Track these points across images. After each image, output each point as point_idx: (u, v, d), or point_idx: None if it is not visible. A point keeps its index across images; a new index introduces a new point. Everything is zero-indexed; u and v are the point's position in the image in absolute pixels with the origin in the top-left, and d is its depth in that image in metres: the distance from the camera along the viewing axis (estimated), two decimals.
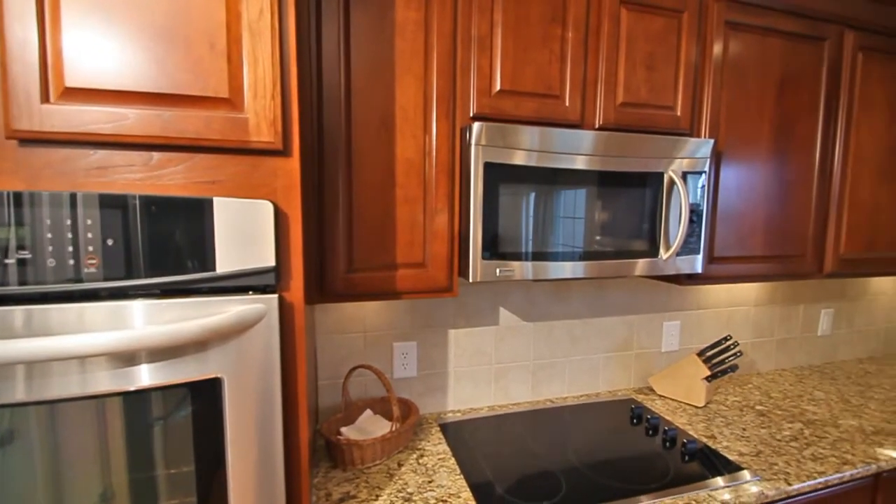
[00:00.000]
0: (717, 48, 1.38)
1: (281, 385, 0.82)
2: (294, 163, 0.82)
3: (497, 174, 1.13)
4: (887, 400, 1.73)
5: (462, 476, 1.19)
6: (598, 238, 1.26)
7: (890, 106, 1.66)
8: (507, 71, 1.18)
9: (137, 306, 0.72)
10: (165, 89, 0.73)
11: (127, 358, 0.71)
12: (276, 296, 0.79)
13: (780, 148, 1.51)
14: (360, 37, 1.07)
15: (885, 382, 1.91)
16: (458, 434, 1.41)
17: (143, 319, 0.72)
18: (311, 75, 1.05)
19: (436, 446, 1.34)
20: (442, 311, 1.52)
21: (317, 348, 1.40)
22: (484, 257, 1.14)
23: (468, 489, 1.15)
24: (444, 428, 1.45)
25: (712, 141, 1.32)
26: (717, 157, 1.43)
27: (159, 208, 0.72)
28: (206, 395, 0.76)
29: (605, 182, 1.24)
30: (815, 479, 1.22)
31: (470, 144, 1.11)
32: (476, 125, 1.09)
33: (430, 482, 1.18)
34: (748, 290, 1.94)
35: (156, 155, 0.75)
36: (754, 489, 1.17)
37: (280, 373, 0.81)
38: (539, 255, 1.19)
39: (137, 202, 0.71)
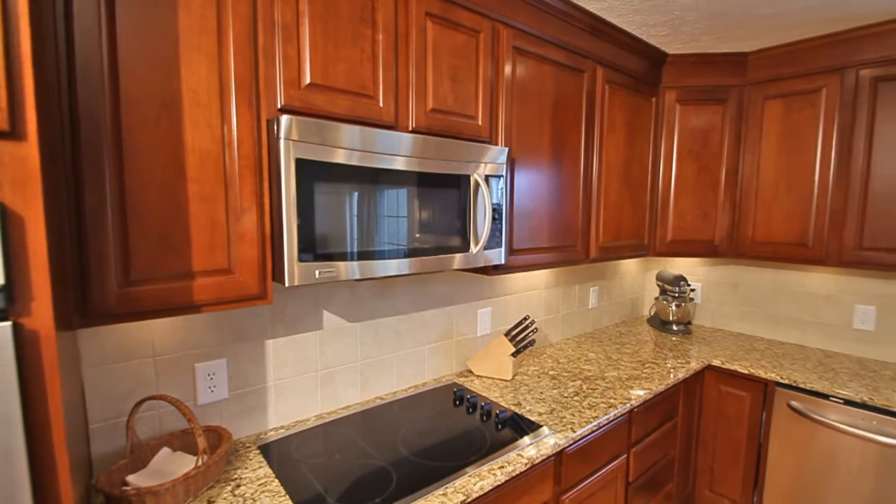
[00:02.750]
0: (508, 68, 1.59)
1: (25, 441, 0.62)
2: (29, 149, 0.63)
3: (314, 172, 1.08)
4: (634, 353, 2.26)
5: (287, 497, 1.11)
6: (419, 236, 1.32)
7: (626, 128, 2.17)
8: (318, 64, 1.14)
9: None
10: None
11: None
12: (8, 323, 0.60)
13: (556, 158, 1.83)
14: (129, 2, 0.89)
15: (632, 340, 2.50)
16: (283, 452, 1.31)
17: None
18: (55, 40, 0.82)
19: (255, 471, 1.21)
20: (256, 321, 1.38)
21: (84, 385, 1.12)
22: (301, 259, 1.07)
23: None
24: (266, 449, 1.32)
25: (507, 149, 1.52)
26: (511, 163, 1.65)
27: None
28: None
29: (423, 183, 1.31)
30: (591, 423, 1.52)
31: (279, 138, 1.03)
32: (285, 118, 1.02)
33: None
34: (540, 276, 2.30)
35: None
36: (551, 441, 1.40)
37: (22, 424, 0.62)
38: (364, 255, 1.19)
39: None
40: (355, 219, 1.17)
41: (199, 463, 1.07)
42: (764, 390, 2.05)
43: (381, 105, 1.26)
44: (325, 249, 1.11)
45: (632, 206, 2.28)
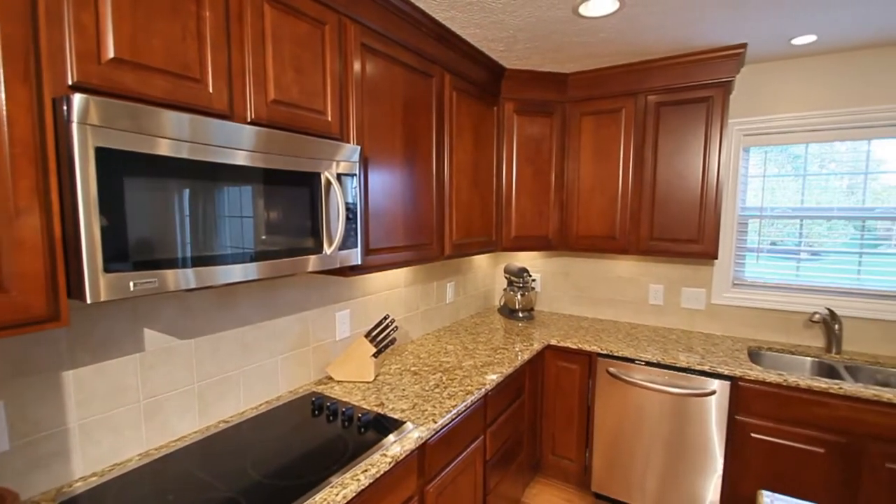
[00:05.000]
0: (357, 66, 1.56)
1: None
2: None
3: (127, 165, 0.90)
4: (488, 341, 2.44)
5: None
6: (267, 237, 1.21)
7: (473, 133, 2.33)
8: (125, 36, 0.96)
9: None
10: None
11: None
12: None
13: (409, 159, 1.87)
14: None
15: (486, 329, 2.70)
16: None
17: None
18: None
19: None
20: (47, 350, 1.11)
21: None
22: (109, 269, 0.89)
23: None
24: None
25: (359, 147, 1.49)
26: (365, 163, 1.63)
27: None
28: None
29: (270, 180, 1.20)
30: (451, 411, 1.59)
31: (70, 122, 0.84)
32: (78, 98, 0.83)
33: None
34: (398, 275, 2.33)
35: None
36: (415, 435, 1.42)
37: None
38: (201, 260, 1.04)
39: None
40: (188, 220, 1.02)
41: None
42: (589, 361, 2.41)
43: (210, 91, 1.11)
44: (146, 256, 0.95)
45: (481, 206, 2.45)
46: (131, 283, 0.92)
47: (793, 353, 2.32)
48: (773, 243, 2.51)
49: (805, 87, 2.32)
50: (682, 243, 2.39)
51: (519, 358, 2.17)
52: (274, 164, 1.21)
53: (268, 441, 1.38)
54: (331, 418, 1.52)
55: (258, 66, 1.23)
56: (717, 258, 2.35)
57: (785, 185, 2.46)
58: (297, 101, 1.35)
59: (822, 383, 1.89)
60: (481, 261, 3.15)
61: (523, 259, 3.25)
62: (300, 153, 1.28)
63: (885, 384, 2.11)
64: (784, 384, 1.95)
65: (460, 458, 1.70)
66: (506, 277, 3.00)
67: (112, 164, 0.89)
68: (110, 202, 0.89)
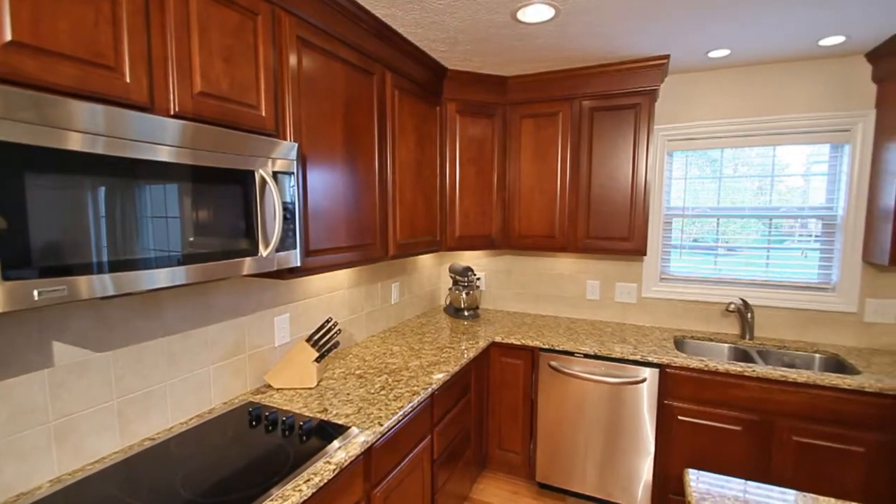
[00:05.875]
0: (293, 59, 1.50)
1: None
2: None
3: (28, 160, 0.81)
4: (434, 341, 2.45)
5: None
6: (195, 239, 1.13)
7: (416, 132, 2.32)
8: (24, 18, 0.86)
9: None
10: None
11: None
12: None
13: (351, 158, 1.83)
14: None
15: (432, 329, 2.70)
16: None
17: None
18: None
19: None
20: None
21: None
22: (8, 277, 0.79)
23: None
24: None
25: (296, 145, 1.43)
26: (303, 161, 1.57)
27: None
28: None
29: (200, 178, 1.13)
30: (397, 413, 1.57)
31: None
32: None
33: None
34: (341, 276, 2.28)
35: None
36: (360, 439, 1.39)
37: None
38: (120, 265, 0.96)
39: None
40: (104, 221, 0.93)
41: None
42: (532, 356, 2.48)
43: (128, 80, 1.03)
44: (54, 262, 0.85)
45: (425, 205, 2.45)
46: (36, 292, 0.83)
47: (712, 341, 2.52)
48: (695, 240, 2.73)
49: (720, 97, 2.54)
50: (615, 241, 2.53)
51: (465, 356, 2.19)
52: (203, 160, 1.14)
53: (200, 457, 1.29)
54: (270, 428, 1.46)
55: (182, 56, 1.15)
56: (646, 254, 2.50)
57: (704, 186, 2.68)
58: (227, 94, 1.27)
59: (738, 367, 2.07)
60: (426, 260, 3.15)
61: (468, 258, 3.29)
62: (232, 149, 1.22)
63: (791, 365, 2.35)
64: (705, 369, 2.12)
65: (408, 459, 1.69)
66: (451, 277, 3.02)
67: (11, 160, 0.79)
68: (9, 202, 0.79)
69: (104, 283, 0.93)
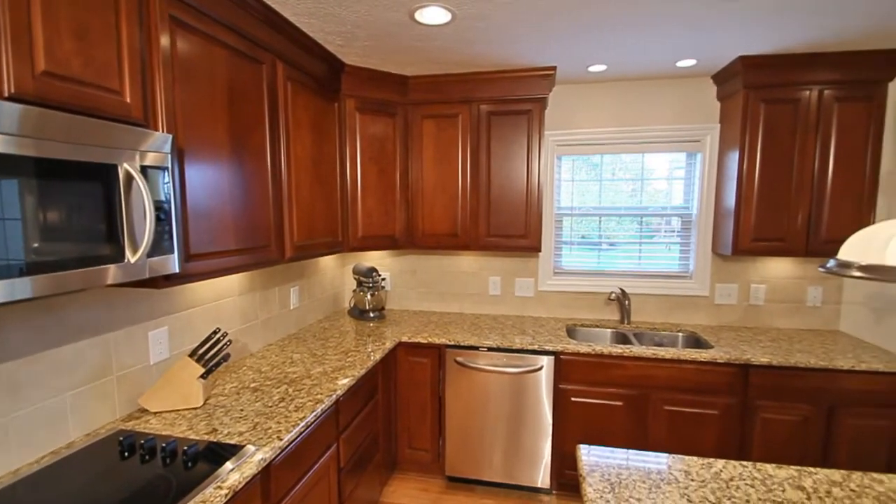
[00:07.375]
0: (165, 41, 1.34)
1: None
2: None
3: None
4: (338, 345, 2.36)
5: None
6: (44, 245, 0.95)
7: (311, 127, 2.21)
8: None
9: None
10: None
11: None
12: None
13: (239, 153, 1.68)
14: None
15: (336, 333, 2.60)
16: None
17: None
18: None
19: None
20: None
21: None
22: None
23: None
24: None
25: (171, 136, 1.28)
26: (181, 155, 1.41)
27: None
28: None
29: (46, 173, 0.95)
30: (299, 424, 1.49)
31: None
32: None
33: None
34: (231, 282, 2.09)
35: None
36: (257, 457, 1.29)
37: None
38: None
39: None
40: None
41: None
42: (439, 354, 2.52)
43: None
44: None
45: (325, 205, 2.35)
46: None
47: (598, 327, 2.79)
48: (583, 237, 2.99)
49: (600, 107, 2.81)
50: (513, 238, 2.67)
51: (371, 358, 2.15)
52: (50, 152, 0.96)
53: (59, 500, 1.09)
54: (146, 458, 1.28)
55: (19, 28, 0.96)
56: (541, 251, 2.68)
57: (588, 188, 2.95)
58: (80, 75, 1.09)
59: (618, 349, 2.31)
60: (328, 262, 3.03)
61: (372, 258, 3.23)
62: (89, 140, 1.04)
63: (660, 345, 2.69)
64: (592, 353, 2.33)
65: (312, 471, 1.60)
66: (355, 278, 2.94)
67: None
68: None
69: None
